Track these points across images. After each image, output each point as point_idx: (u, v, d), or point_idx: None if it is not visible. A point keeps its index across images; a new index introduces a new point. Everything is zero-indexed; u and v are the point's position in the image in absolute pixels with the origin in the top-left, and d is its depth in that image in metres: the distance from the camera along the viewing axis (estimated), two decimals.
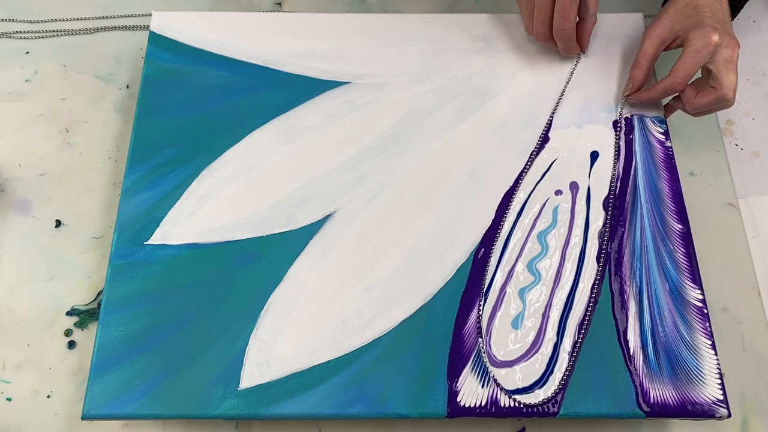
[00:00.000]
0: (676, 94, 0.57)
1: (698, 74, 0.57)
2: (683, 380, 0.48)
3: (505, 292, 0.51)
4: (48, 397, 0.53)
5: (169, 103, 0.58)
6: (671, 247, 0.53)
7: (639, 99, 0.58)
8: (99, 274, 0.57)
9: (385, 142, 0.57)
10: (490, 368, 0.48)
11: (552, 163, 0.57)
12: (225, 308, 0.50)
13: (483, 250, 0.53)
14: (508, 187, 0.55)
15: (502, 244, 0.53)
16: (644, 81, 0.58)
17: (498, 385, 0.48)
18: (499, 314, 0.50)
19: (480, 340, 0.49)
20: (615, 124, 0.58)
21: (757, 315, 0.57)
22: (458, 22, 0.64)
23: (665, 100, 0.59)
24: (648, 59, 0.57)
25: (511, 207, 0.54)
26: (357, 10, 0.72)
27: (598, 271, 0.52)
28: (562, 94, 0.59)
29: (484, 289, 0.51)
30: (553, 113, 0.58)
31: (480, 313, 0.50)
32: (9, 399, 0.53)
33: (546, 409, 0.47)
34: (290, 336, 0.50)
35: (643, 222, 0.54)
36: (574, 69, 0.61)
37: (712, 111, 0.56)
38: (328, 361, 0.49)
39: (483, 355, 0.49)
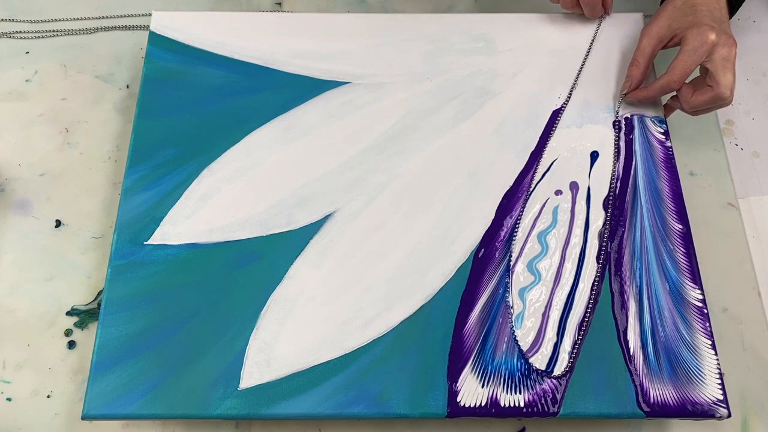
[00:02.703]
0: (674, 92, 0.57)
1: (697, 73, 0.57)
2: (683, 380, 0.48)
3: None
4: (48, 397, 0.53)
5: (169, 103, 0.58)
6: (671, 247, 0.53)
7: (636, 97, 0.58)
8: (99, 274, 0.57)
9: (385, 142, 0.57)
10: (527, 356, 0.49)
11: (552, 163, 0.57)
12: (225, 308, 0.50)
13: (483, 250, 0.53)
14: (508, 187, 0.55)
15: (503, 245, 0.53)
16: (642, 79, 0.58)
17: (532, 367, 0.48)
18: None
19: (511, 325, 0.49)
20: (615, 124, 0.58)
21: (757, 315, 0.57)
22: (458, 22, 0.64)
23: (665, 100, 0.59)
24: (645, 57, 0.57)
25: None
26: (357, 10, 0.72)
27: (598, 271, 0.52)
28: (584, 61, 0.60)
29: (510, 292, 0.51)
30: (574, 84, 0.59)
31: (509, 307, 0.50)
32: (9, 399, 0.53)
33: (546, 409, 0.47)
34: (290, 336, 0.50)
35: (643, 222, 0.54)
36: (598, 29, 0.62)
37: (710, 110, 0.56)
38: (328, 361, 0.49)
39: (515, 334, 0.49)
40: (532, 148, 0.57)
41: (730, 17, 0.58)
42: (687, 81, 0.56)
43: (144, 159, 0.56)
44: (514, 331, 0.50)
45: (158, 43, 0.61)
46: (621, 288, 0.51)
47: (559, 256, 0.53)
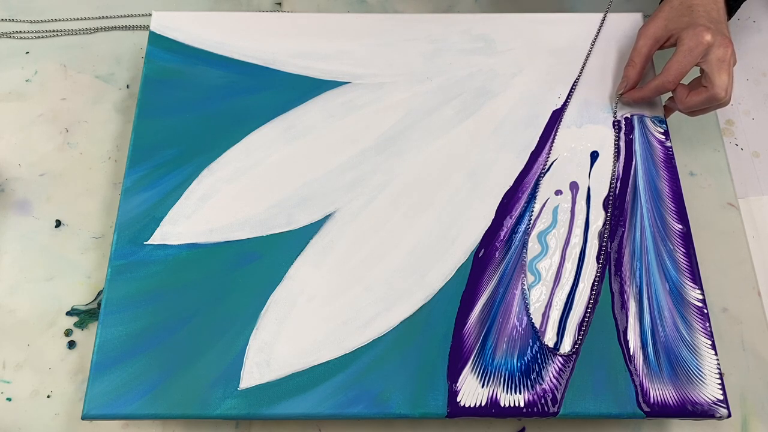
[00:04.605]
0: (670, 93, 0.57)
1: (698, 74, 0.57)
2: (683, 380, 0.48)
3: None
4: (48, 397, 0.53)
5: (169, 103, 0.58)
6: (671, 247, 0.53)
7: (632, 98, 0.58)
8: (99, 274, 0.57)
9: (385, 142, 0.57)
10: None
11: (552, 163, 0.57)
12: (225, 308, 0.50)
13: (483, 250, 0.53)
14: (508, 187, 0.55)
15: (503, 245, 0.53)
16: (638, 80, 0.58)
17: (543, 345, 0.49)
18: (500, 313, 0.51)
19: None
20: (615, 124, 0.58)
21: (757, 315, 0.57)
22: (458, 22, 0.64)
23: (664, 101, 0.59)
24: (642, 58, 0.57)
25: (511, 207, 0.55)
26: (357, 10, 0.72)
27: (598, 271, 0.52)
28: (585, 61, 0.60)
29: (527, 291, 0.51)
30: (576, 81, 0.59)
31: (526, 298, 0.50)
32: (9, 399, 0.53)
33: (546, 409, 0.47)
34: (290, 336, 0.50)
35: (643, 222, 0.54)
36: (600, 28, 0.62)
37: (706, 111, 0.56)
38: (328, 361, 0.49)
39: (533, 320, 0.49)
40: (532, 148, 0.57)
41: (729, 18, 0.58)
42: (686, 82, 0.56)
43: (144, 159, 0.56)
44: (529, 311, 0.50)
45: (158, 43, 0.61)
46: (621, 288, 0.51)
47: (559, 256, 0.53)
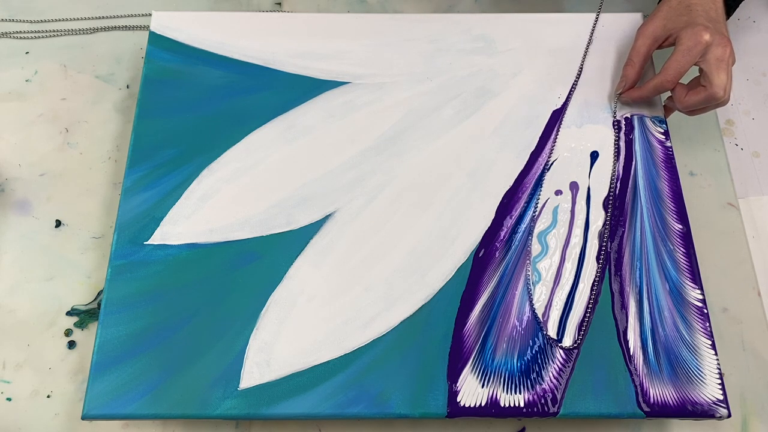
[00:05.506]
0: (669, 93, 0.57)
1: (697, 73, 0.57)
2: (683, 380, 0.48)
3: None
4: (48, 397, 0.53)
5: (169, 103, 0.58)
6: (671, 247, 0.53)
7: (631, 97, 0.58)
8: (99, 274, 0.57)
9: (385, 142, 0.57)
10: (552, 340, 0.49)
11: (552, 163, 0.57)
12: (225, 308, 0.50)
13: (483, 250, 0.53)
14: (508, 187, 0.55)
15: (503, 245, 0.53)
16: (636, 79, 0.58)
17: (548, 338, 0.49)
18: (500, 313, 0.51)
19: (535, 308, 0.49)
20: (615, 124, 0.58)
21: (757, 315, 0.57)
22: (458, 22, 0.64)
23: (664, 100, 0.59)
24: (640, 57, 0.57)
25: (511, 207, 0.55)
26: (357, 10, 0.72)
27: (598, 271, 0.52)
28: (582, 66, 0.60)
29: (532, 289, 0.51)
30: (575, 82, 0.59)
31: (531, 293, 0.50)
32: (9, 399, 0.53)
33: (546, 409, 0.47)
34: (290, 336, 0.50)
35: (643, 222, 0.54)
36: (594, 28, 0.62)
37: (705, 110, 0.56)
38: (328, 361, 0.49)
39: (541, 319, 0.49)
40: (532, 148, 0.57)
41: (728, 17, 0.58)
42: (685, 81, 0.56)
43: (144, 159, 0.56)
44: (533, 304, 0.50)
45: (158, 43, 0.61)
46: (621, 288, 0.51)
47: (559, 256, 0.53)
